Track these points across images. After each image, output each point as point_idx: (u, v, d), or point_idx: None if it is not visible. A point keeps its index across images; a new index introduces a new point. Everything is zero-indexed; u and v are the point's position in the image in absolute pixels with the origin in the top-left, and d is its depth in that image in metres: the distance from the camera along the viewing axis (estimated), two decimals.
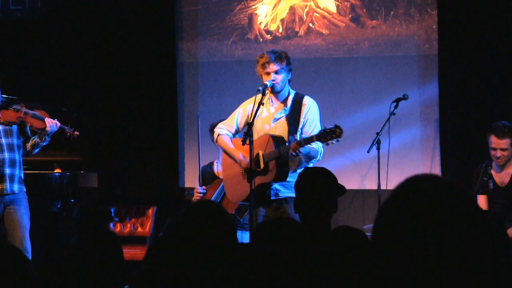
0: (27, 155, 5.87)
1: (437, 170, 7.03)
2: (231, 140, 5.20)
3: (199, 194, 5.91)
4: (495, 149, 5.42)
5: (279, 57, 4.99)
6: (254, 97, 5.13)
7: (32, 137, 5.82)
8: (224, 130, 5.19)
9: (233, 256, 2.34)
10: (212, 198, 5.87)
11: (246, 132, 4.72)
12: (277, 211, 4.94)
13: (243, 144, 4.73)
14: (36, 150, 5.84)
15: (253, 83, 5.22)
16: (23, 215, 5.65)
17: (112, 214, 7.32)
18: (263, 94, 4.91)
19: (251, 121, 4.78)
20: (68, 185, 6.92)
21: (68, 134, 5.82)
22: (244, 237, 5.36)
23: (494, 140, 5.41)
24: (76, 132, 5.83)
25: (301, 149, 4.69)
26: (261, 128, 5.03)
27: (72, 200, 6.91)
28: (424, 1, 7.21)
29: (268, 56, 4.97)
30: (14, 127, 5.74)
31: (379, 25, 7.31)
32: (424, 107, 7.15)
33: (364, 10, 7.35)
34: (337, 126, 4.61)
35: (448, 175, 6.82)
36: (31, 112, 5.72)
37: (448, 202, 1.38)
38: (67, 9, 7.82)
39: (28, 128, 5.80)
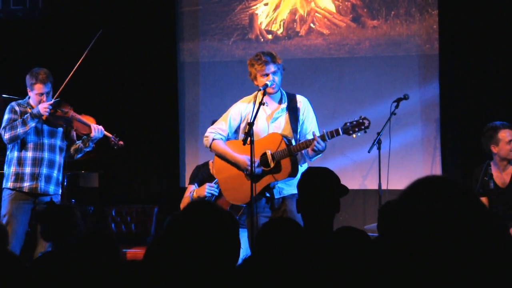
0: (70, 159, 5.85)
1: (437, 170, 7.03)
2: (228, 142, 5.15)
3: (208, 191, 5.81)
4: (510, 141, 5.39)
5: (275, 57, 5.03)
6: (246, 98, 5.14)
7: (77, 142, 5.80)
8: (218, 134, 5.14)
9: (234, 256, 2.34)
10: (206, 198, 5.84)
11: (247, 132, 4.71)
12: (279, 210, 4.94)
13: (244, 144, 4.71)
14: (79, 155, 5.81)
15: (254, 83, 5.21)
16: None
17: (114, 215, 7.33)
18: (264, 94, 4.91)
19: (251, 121, 4.77)
20: (69, 185, 6.92)
21: (112, 142, 5.79)
22: (242, 235, 5.30)
23: (507, 132, 5.38)
24: (121, 142, 5.79)
25: (323, 144, 4.73)
26: (259, 128, 5.02)
27: (73, 200, 6.91)
28: (425, 1, 7.21)
29: (266, 58, 4.99)
30: (60, 129, 5.72)
31: (380, 25, 7.31)
32: (425, 107, 7.15)
33: (365, 10, 7.35)
34: (364, 118, 4.71)
35: (449, 175, 6.82)
36: (78, 116, 5.72)
37: (457, 203, 1.38)
38: (67, 9, 7.83)
39: (73, 132, 5.79)
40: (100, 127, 5.71)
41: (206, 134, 5.18)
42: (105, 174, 7.65)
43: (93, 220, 7.23)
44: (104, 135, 5.74)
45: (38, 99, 5.66)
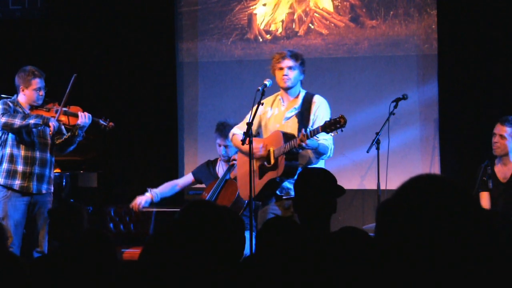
0: (61, 152, 5.78)
1: (436, 170, 7.04)
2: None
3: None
4: (494, 134, 5.43)
5: (295, 55, 5.11)
6: (268, 97, 5.17)
7: (65, 134, 5.72)
8: (237, 130, 5.26)
9: (236, 256, 2.34)
10: (207, 198, 5.85)
11: (245, 132, 4.74)
12: (288, 210, 4.96)
13: (243, 144, 4.76)
14: (71, 148, 5.73)
15: (253, 83, 5.23)
16: (46, 220, 5.53)
17: (113, 214, 7.33)
18: (263, 94, 4.94)
19: (250, 121, 4.80)
20: (68, 185, 6.92)
21: (102, 126, 5.77)
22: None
23: (496, 126, 5.43)
24: (111, 123, 5.77)
25: (308, 142, 4.68)
26: (272, 127, 5.12)
27: (72, 200, 6.91)
28: (424, 1, 7.21)
29: (285, 52, 5.09)
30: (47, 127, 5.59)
31: (379, 25, 7.31)
32: (424, 107, 7.15)
33: (364, 10, 7.36)
34: (341, 116, 4.67)
35: (448, 175, 6.83)
36: (63, 109, 5.67)
37: (451, 202, 1.38)
38: (66, 9, 7.82)
39: (61, 125, 5.72)
40: (87, 114, 5.66)
41: (231, 131, 5.38)
42: (104, 174, 7.65)
43: (92, 220, 7.22)
44: (93, 121, 5.70)
45: (35, 94, 5.63)
